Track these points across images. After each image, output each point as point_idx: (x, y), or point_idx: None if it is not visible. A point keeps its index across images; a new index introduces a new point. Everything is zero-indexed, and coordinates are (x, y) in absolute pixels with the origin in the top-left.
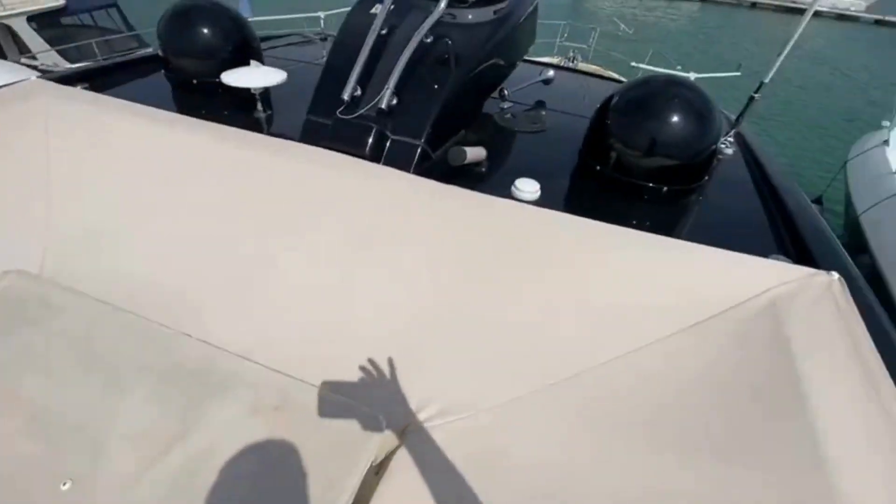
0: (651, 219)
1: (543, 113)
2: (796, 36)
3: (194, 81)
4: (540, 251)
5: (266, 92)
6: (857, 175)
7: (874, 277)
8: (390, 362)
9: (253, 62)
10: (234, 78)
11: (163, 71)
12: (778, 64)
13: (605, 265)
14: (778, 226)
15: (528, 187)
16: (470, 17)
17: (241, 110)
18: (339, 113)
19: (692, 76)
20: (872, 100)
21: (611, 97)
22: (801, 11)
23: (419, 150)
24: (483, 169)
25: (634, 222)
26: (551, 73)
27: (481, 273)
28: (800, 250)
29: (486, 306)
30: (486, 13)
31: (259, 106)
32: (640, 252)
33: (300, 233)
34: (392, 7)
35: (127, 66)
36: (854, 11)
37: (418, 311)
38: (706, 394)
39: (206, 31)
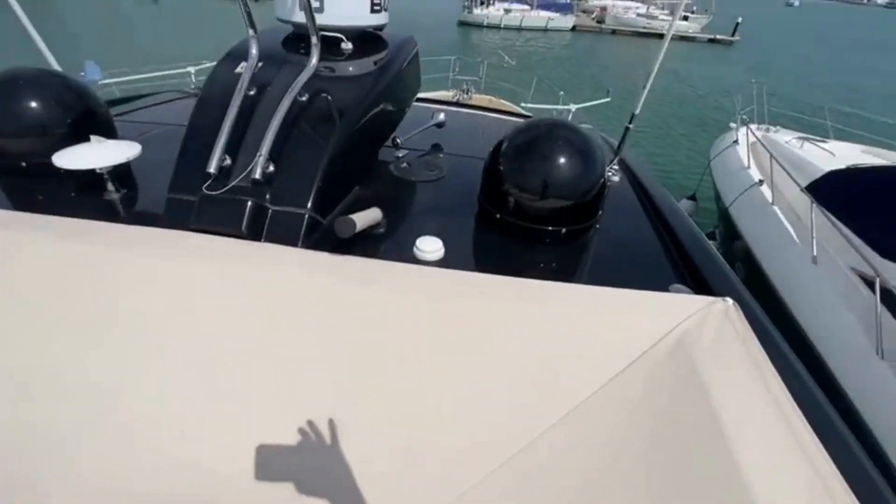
0: (555, 262)
1: (441, 156)
2: (656, 67)
3: (23, 164)
4: (448, 317)
5: (121, 169)
6: (720, 172)
7: (749, 260)
8: (292, 467)
9: (94, 137)
10: (69, 159)
11: None
12: (644, 95)
13: (518, 324)
14: (672, 253)
15: (429, 247)
16: (350, 69)
17: (89, 194)
18: (206, 188)
19: (572, 107)
20: (716, 105)
21: (500, 143)
22: (653, 35)
23: (306, 219)
24: (381, 230)
25: (541, 266)
26: (442, 116)
27: (392, 352)
28: (694, 277)
29: (400, 391)
30: (366, 64)
31: (110, 186)
32: (550, 305)
33: (177, 333)
34: (260, 64)
35: None
36: (692, 33)
37: (326, 406)
38: (636, 447)
39: (34, 104)
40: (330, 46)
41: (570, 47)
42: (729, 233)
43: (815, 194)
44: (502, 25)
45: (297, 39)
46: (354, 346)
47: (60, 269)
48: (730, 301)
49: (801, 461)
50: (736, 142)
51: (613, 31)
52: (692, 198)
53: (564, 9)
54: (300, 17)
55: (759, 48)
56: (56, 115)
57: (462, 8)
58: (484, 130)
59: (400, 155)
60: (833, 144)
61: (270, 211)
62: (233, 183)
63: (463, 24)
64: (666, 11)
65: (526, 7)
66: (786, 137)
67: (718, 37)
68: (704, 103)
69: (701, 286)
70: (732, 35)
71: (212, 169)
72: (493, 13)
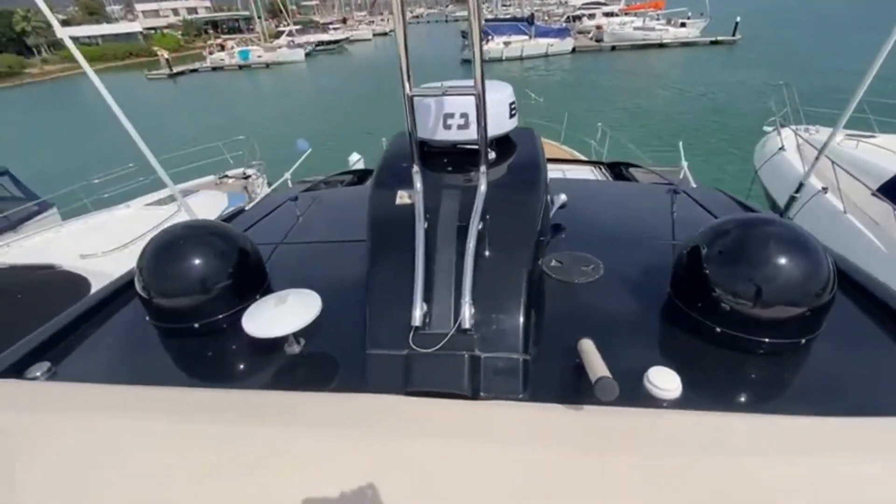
0: (812, 384)
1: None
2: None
3: (195, 325)
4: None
5: None
6: (772, 182)
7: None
8: None
9: (274, 296)
10: (259, 325)
11: (147, 318)
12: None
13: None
14: None
15: (666, 383)
16: (508, 180)
17: (261, 354)
18: (415, 343)
19: (684, 165)
20: (738, 109)
21: (716, 244)
22: (653, 46)
23: (521, 365)
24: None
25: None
26: (564, 197)
27: None
28: None
29: None
30: (517, 171)
31: (295, 345)
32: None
33: None
34: (422, 190)
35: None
36: (692, 38)
37: None
38: None
39: (201, 260)
40: (470, 158)
41: (573, 70)
42: None
43: (892, 197)
44: (504, 58)
45: (440, 155)
46: None
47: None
48: None
49: None
50: (782, 148)
51: (613, 48)
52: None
53: (562, 34)
54: (443, 135)
55: (762, 44)
56: (221, 269)
57: (461, 48)
58: (589, 197)
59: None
60: (884, 139)
61: (483, 360)
62: (448, 335)
63: (465, 61)
64: (661, 21)
65: (524, 37)
66: (834, 137)
67: (720, 38)
68: (727, 108)
69: None
70: (733, 35)
71: (416, 322)
72: (494, 47)
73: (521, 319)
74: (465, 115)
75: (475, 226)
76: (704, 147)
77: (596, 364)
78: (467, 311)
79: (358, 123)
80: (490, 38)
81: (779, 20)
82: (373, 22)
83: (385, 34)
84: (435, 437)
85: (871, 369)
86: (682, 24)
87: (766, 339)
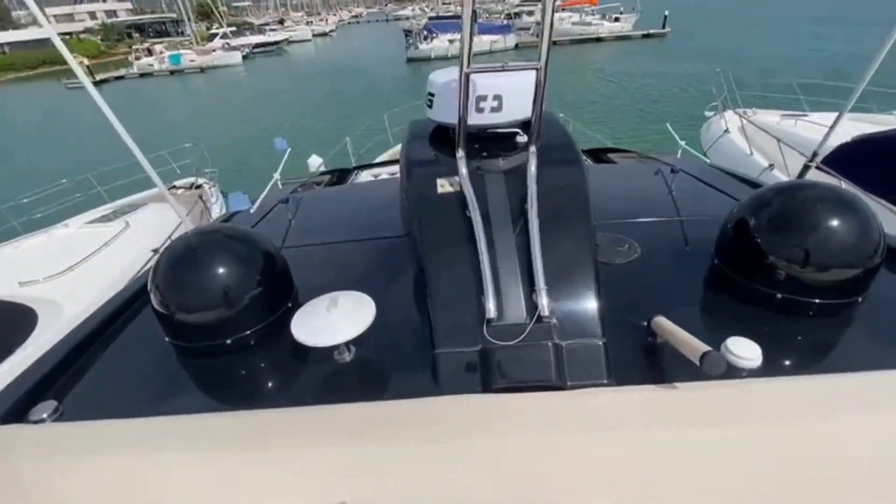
0: (864, 340)
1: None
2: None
3: (228, 342)
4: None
5: None
6: (721, 162)
7: None
8: None
9: (326, 297)
10: (313, 333)
11: (166, 338)
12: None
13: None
14: None
15: (748, 353)
16: (553, 158)
17: (307, 366)
18: (491, 336)
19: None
20: (677, 96)
21: (763, 212)
22: (591, 40)
23: (603, 349)
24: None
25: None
26: None
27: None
28: None
29: None
30: (555, 150)
31: (346, 353)
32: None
33: None
34: (466, 172)
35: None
36: (626, 32)
37: None
38: None
39: (234, 268)
40: (503, 142)
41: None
42: None
43: (836, 168)
44: (449, 55)
45: (471, 141)
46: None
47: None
48: None
49: None
50: (727, 130)
51: (554, 42)
52: None
53: (505, 30)
54: (476, 119)
55: (689, 36)
56: (250, 277)
57: (405, 47)
58: (600, 181)
59: None
60: (816, 116)
61: (564, 348)
62: (529, 325)
63: (411, 60)
64: (597, 16)
65: None
66: (770, 118)
67: (652, 31)
68: (666, 96)
69: None
70: (663, 28)
71: (491, 314)
72: (439, 45)
73: (596, 303)
74: (498, 98)
75: (534, 209)
76: (653, 135)
77: (689, 340)
78: (544, 299)
79: (308, 125)
80: (435, 35)
81: (700, 14)
82: (311, 22)
83: (325, 34)
84: (538, 432)
85: None
86: (616, 19)
87: (827, 301)
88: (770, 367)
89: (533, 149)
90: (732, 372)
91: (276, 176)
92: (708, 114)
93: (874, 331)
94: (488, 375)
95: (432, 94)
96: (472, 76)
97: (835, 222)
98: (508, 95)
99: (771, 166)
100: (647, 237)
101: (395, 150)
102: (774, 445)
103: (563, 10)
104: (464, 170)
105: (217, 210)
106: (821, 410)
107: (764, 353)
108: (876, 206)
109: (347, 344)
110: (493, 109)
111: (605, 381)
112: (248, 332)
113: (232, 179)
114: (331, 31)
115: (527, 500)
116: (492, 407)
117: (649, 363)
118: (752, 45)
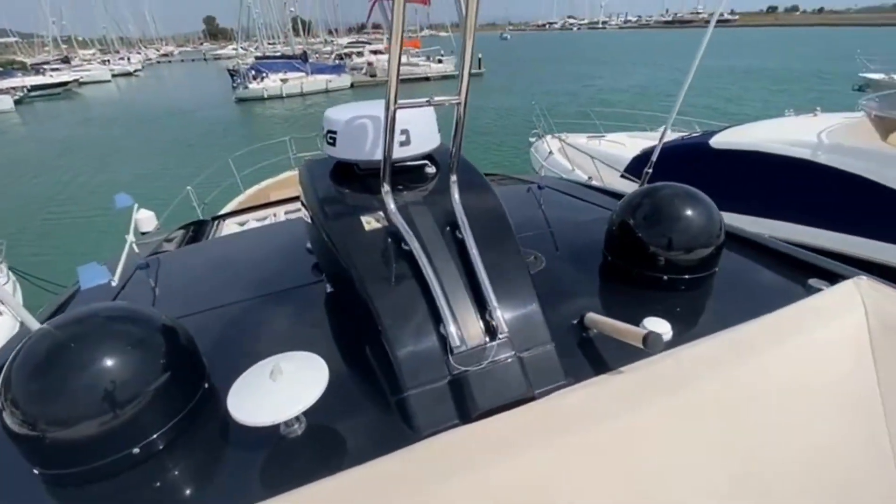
0: (717, 304)
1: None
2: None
3: (135, 451)
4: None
5: None
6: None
7: None
8: None
9: (265, 363)
10: (262, 408)
11: (35, 470)
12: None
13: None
14: (781, 262)
15: (664, 328)
16: (467, 187)
17: (247, 452)
18: (458, 363)
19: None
20: (501, 124)
21: (641, 211)
22: (419, 80)
23: (555, 352)
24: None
25: (715, 311)
26: None
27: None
28: (814, 271)
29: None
30: (465, 178)
31: (294, 425)
32: (774, 346)
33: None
34: (394, 207)
35: None
36: (451, 72)
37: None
38: None
39: (131, 355)
40: (413, 174)
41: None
42: None
43: (634, 175)
44: (284, 94)
45: (376, 176)
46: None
47: None
48: (863, 275)
49: None
50: (551, 152)
51: (384, 82)
52: None
53: (338, 70)
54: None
55: (501, 75)
56: (153, 363)
57: (232, 87)
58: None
59: None
60: (613, 136)
61: (525, 359)
62: (493, 345)
63: (241, 100)
64: (422, 57)
65: (301, 74)
66: (580, 140)
67: (473, 71)
68: (493, 126)
69: (820, 275)
70: (479, 68)
71: (455, 341)
72: (271, 84)
73: (539, 311)
74: (405, 132)
75: (468, 233)
76: (490, 161)
77: (625, 328)
78: (500, 316)
79: (113, 173)
80: (265, 75)
81: (503, 58)
82: (108, 61)
83: (129, 74)
84: (533, 444)
85: (764, 279)
86: (440, 61)
87: (697, 275)
88: (676, 336)
89: (454, 178)
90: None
91: (130, 238)
92: (531, 139)
93: (732, 291)
94: (464, 405)
95: (334, 132)
96: (376, 112)
97: (691, 212)
98: (414, 129)
99: (590, 178)
100: (544, 246)
101: (250, 194)
102: (716, 394)
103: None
104: (391, 205)
105: (11, 290)
106: (730, 358)
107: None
108: None
109: (297, 416)
110: (403, 143)
111: (564, 382)
112: (163, 430)
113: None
114: (136, 70)
115: None
116: (479, 435)
117: (591, 356)
118: (545, 83)
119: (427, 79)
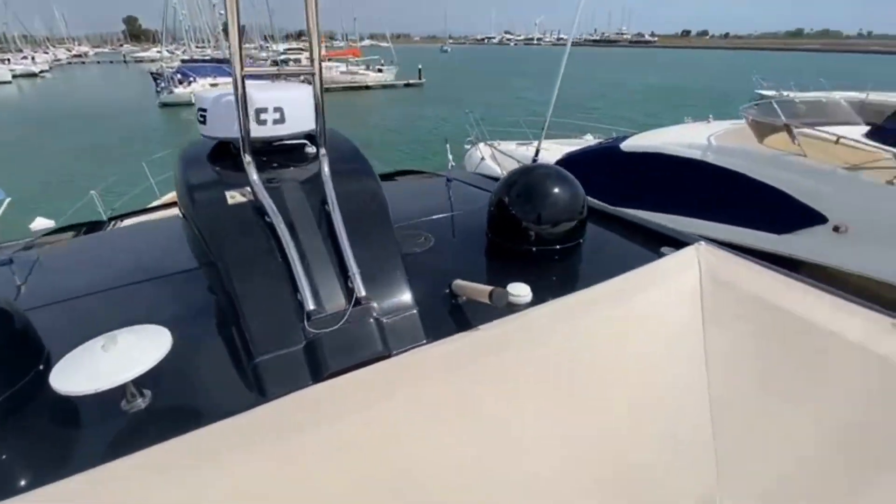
0: (582, 270)
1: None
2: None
3: None
4: (583, 344)
5: None
6: None
7: None
8: None
9: (100, 338)
10: (89, 377)
11: None
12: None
13: (615, 329)
14: (634, 233)
15: (523, 291)
16: (344, 165)
17: (77, 429)
18: (313, 327)
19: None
20: (437, 131)
21: (514, 191)
22: (360, 88)
23: (418, 317)
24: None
25: (577, 276)
26: None
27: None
28: (663, 240)
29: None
30: (343, 157)
31: (134, 395)
32: (621, 304)
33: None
34: (257, 178)
35: None
36: (391, 81)
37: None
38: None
39: None
40: (292, 153)
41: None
42: None
43: None
44: None
45: (262, 153)
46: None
47: None
48: (703, 241)
49: None
50: (483, 158)
51: (327, 89)
52: None
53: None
54: (258, 131)
55: (440, 85)
56: None
57: (156, 91)
58: (400, 193)
59: None
60: (542, 143)
61: (385, 323)
62: (352, 314)
63: (166, 105)
64: (362, 67)
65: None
66: (511, 147)
67: (412, 81)
68: (429, 135)
69: (669, 243)
70: (420, 79)
71: (310, 305)
72: (199, 89)
73: (404, 279)
74: (279, 110)
75: (335, 206)
76: (428, 165)
77: (479, 288)
78: (359, 282)
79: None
80: (192, 79)
81: (442, 70)
82: (7, 61)
83: (34, 76)
84: (382, 401)
85: (623, 248)
86: (380, 70)
87: (564, 246)
88: (538, 299)
89: (323, 151)
90: (515, 308)
91: None
92: (466, 146)
93: (595, 259)
94: (317, 366)
95: (204, 110)
96: (250, 91)
97: (557, 190)
98: (290, 108)
99: None
100: (437, 229)
101: (168, 200)
102: (560, 344)
103: (328, 59)
104: (254, 176)
105: None
106: (577, 313)
107: (532, 290)
108: None
109: (139, 388)
110: (276, 122)
111: (423, 343)
112: None
113: None
114: (42, 71)
115: (390, 462)
116: (328, 392)
117: (457, 319)
118: (480, 93)
119: (367, 87)
